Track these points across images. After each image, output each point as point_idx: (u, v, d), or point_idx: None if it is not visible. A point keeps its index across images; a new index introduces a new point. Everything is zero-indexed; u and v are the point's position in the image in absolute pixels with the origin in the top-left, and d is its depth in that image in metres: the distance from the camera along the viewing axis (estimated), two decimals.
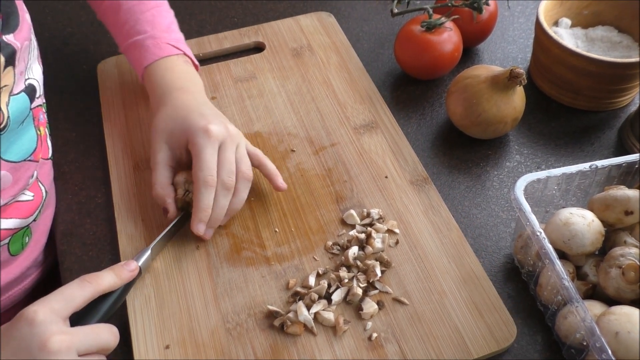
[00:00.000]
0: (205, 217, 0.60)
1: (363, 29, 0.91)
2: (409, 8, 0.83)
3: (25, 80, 0.59)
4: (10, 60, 0.55)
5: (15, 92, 0.57)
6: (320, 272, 0.61)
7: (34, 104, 0.61)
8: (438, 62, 0.78)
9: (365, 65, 0.84)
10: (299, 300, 0.59)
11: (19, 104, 0.58)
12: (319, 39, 0.86)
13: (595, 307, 0.54)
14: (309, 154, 0.72)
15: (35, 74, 0.62)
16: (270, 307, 0.59)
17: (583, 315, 0.49)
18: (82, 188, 0.71)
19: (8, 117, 0.56)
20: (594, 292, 0.57)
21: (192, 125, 0.63)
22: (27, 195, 0.63)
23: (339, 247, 0.63)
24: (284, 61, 0.83)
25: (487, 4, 0.81)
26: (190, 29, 0.91)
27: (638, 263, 0.52)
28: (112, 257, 0.64)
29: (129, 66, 0.82)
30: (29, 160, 0.61)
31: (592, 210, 0.58)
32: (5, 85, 0.55)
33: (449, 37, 0.77)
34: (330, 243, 0.64)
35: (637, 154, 0.60)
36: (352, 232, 0.64)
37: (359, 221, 0.65)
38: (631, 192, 0.56)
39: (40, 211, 0.65)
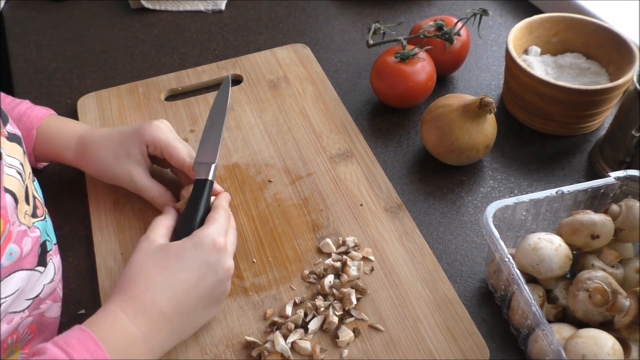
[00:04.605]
0: None
1: (341, 59, 0.93)
2: (384, 39, 0.85)
3: None
4: None
5: None
6: (297, 301, 0.62)
7: None
8: (412, 91, 0.80)
9: (343, 94, 0.86)
10: (276, 330, 0.60)
11: None
12: (295, 70, 0.88)
13: (564, 330, 0.55)
14: (285, 184, 0.73)
15: None
16: (248, 338, 0.59)
17: (550, 339, 0.50)
18: (65, 221, 0.72)
19: None
20: (564, 315, 0.59)
21: (140, 129, 0.67)
22: None
23: (315, 276, 0.64)
24: (261, 93, 0.85)
25: (459, 34, 0.83)
26: (173, 62, 0.93)
27: (604, 286, 0.54)
28: (92, 291, 0.65)
29: (109, 101, 0.84)
30: None
31: (560, 234, 0.59)
32: None
33: (422, 67, 0.80)
34: (307, 272, 0.65)
35: (603, 179, 0.61)
36: (328, 261, 0.65)
37: (334, 249, 0.66)
38: (597, 217, 0.58)
39: None
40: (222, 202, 0.63)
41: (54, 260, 0.59)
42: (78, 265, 0.68)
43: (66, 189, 0.75)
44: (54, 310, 0.59)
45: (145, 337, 0.51)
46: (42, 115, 0.70)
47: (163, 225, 0.60)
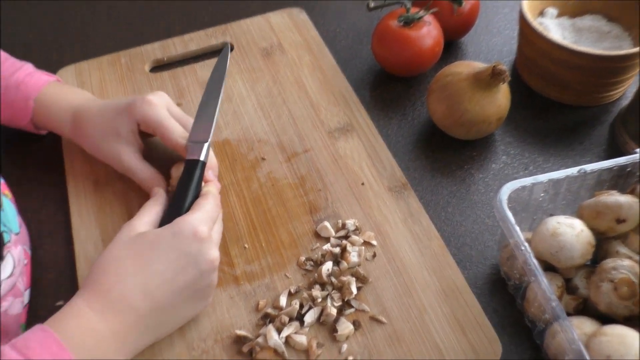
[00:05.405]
0: None
1: (340, 25, 0.87)
2: (386, 2, 0.78)
3: None
4: None
5: None
6: (292, 290, 0.57)
7: None
8: (417, 58, 0.74)
9: (343, 63, 0.80)
10: (269, 323, 0.55)
11: None
12: (290, 37, 0.81)
13: (586, 325, 0.50)
14: (280, 161, 0.67)
15: None
16: (239, 332, 0.55)
17: (570, 336, 0.45)
18: (43, 206, 0.67)
19: None
20: (584, 307, 0.53)
21: (131, 105, 0.61)
22: None
23: (312, 263, 0.59)
24: (254, 62, 0.78)
25: None
26: (159, 30, 0.87)
27: (631, 277, 0.48)
28: (72, 281, 0.60)
29: (89, 74, 0.78)
30: None
31: (581, 217, 0.54)
32: None
33: (428, 32, 0.73)
34: (303, 258, 0.59)
35: (629, 156, 0.55)
36: (326, 246, 0.60)
37: (333, 233, 0.61)
38: (623, 198, 0.52)
39: None
40: (211, 188, 0.57)
41: (14, 252, 0.53)
42: (56, 252, 0.63)
43: (43, 171, 0.70)
44: (15, 306, 0.54)
45: (115, 334, 0.47)
46: (41, 84, 0.65)
47: (149, 211, 0.55)
